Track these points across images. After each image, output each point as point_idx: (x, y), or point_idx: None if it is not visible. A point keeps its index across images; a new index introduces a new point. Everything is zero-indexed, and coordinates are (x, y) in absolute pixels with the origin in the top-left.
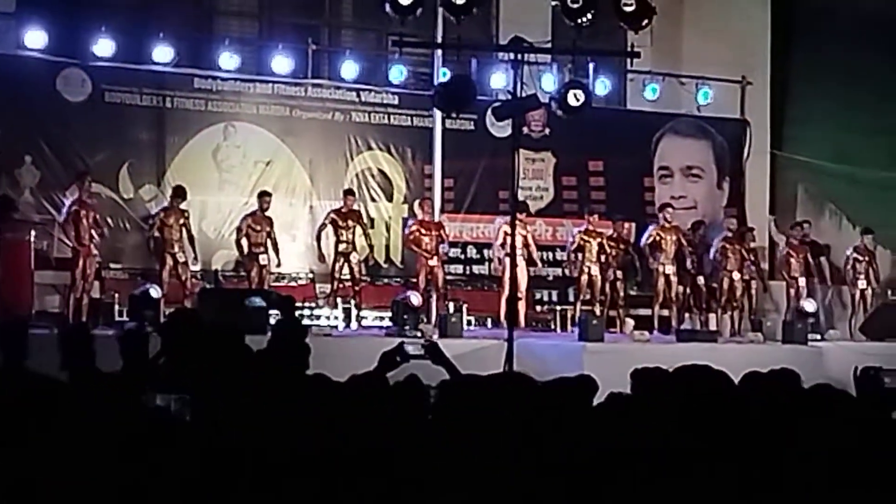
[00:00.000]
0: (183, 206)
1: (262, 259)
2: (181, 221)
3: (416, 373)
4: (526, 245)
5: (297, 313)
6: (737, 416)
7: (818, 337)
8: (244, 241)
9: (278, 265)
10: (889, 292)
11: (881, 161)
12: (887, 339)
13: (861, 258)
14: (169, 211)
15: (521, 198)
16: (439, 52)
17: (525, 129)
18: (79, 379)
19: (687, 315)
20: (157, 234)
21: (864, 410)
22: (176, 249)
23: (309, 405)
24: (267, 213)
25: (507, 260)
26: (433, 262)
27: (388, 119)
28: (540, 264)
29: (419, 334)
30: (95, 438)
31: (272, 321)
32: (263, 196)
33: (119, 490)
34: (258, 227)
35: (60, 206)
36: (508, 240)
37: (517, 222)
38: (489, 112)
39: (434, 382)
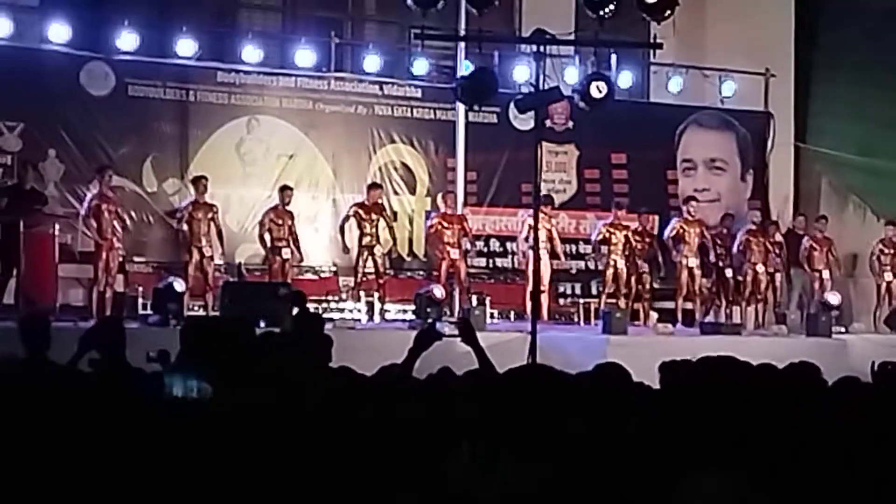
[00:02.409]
0: (209, 200)
1: (285, 253)
2: (209, 216)
3: (446, 353)
4: (550, 238)
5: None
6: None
7: (842, 330)
8: (267, 236)
9: (300, 259)
10: None
11: None
12: None
13: (886, 250)
14: (197, 205)
15: (543, 191)
16: (462, 44)
17: (548, 122)
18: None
19: (711, 308)
20: (184, 227)
21: (886, 404)
22: (203, 243)
23: (335, 396)
24: (288, 207)
25: (531, 253)
26: (455, 255)
27: (411, 112)
28: (563, 258)
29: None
30: (114, 428)
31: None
32: (285, 190)
33: (135, 479)
34: (280, 221)
35: (84, 199)
36: (532, 233)
37: (542, 216)
38: (512, 105)
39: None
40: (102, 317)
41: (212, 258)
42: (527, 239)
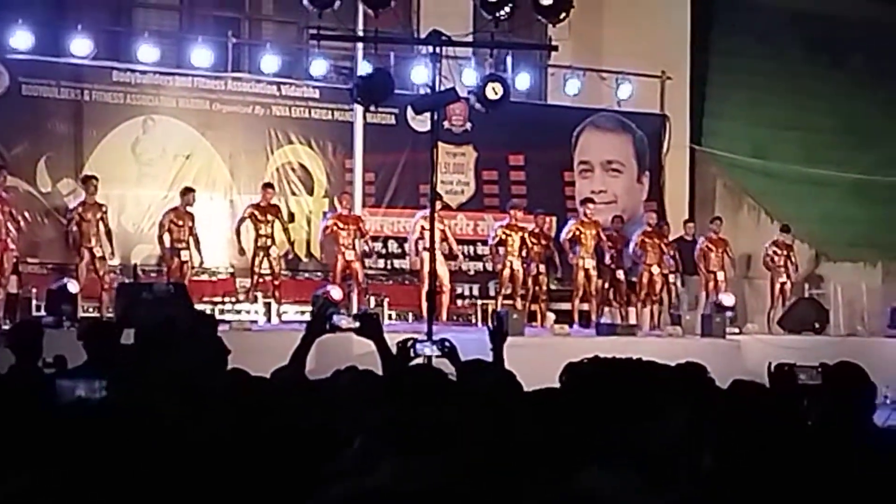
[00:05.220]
0: (100, 199)
1: (184, 255)
2: (98, 216)
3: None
4: (444, 239)
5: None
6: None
7: (736, 330)
8: (166, 237)
9: (200, 262)
10: (807, 286)
11: (796, 156)
12: (804, 332)
13: (780, 252)
14: (87, 205)
15: (441, 192)
16: (360, 45)
17: (446, 124)
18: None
19: (607, 309)
20: (74, 228)
21: (779, 406)
22: (93, 244)
23: (229, 398)
24: (189, 209)
25: (426, 254)
26: (350, 256)
27: (309, 113)
28: (461, 258)
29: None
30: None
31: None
32: (188, 192)
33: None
34: (181, 223)
35: None
36: (426, 234)
37: (436, 216)
38: (409, 106)
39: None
40: (22, 319)
41: (104, 258)
42: (419, 240)
